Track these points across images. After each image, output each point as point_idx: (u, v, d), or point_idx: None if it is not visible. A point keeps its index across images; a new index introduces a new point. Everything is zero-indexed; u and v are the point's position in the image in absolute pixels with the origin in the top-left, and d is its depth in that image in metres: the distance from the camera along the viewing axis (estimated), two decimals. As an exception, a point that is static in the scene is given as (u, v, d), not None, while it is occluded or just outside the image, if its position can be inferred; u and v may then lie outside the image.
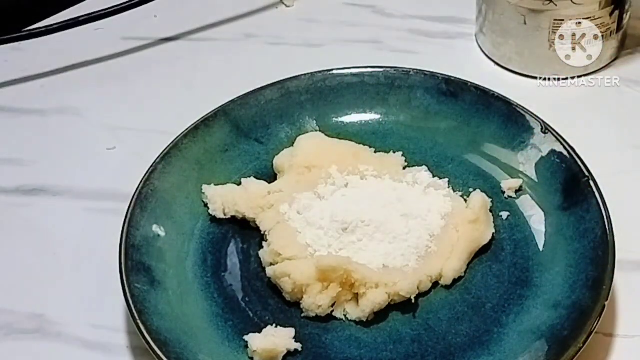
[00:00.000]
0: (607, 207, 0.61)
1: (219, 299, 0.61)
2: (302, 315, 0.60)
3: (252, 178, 0.68)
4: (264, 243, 0.64)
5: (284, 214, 0.64)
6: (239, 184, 0.67)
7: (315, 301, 0.59)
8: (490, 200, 0.65)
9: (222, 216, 0.66)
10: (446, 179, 0.67)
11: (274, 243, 0.62)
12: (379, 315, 0.60)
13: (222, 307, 0.61)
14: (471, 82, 0.70)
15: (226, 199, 0.65)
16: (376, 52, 0.81)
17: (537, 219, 0.64)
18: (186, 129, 0.68)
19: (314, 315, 0.60)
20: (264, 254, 0.63)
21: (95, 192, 0.71)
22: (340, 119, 0.72)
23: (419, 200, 0.64)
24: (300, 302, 0.60)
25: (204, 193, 0.66)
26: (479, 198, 0.64)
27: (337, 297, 0.60)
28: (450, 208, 0.64)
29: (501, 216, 0.65)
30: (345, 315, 0.60)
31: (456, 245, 0.62)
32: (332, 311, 0.60)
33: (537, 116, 0.67)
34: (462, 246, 0.62)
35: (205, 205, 0.66)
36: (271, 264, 0.62)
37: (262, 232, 0.64)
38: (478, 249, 0.63)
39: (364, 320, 0.60)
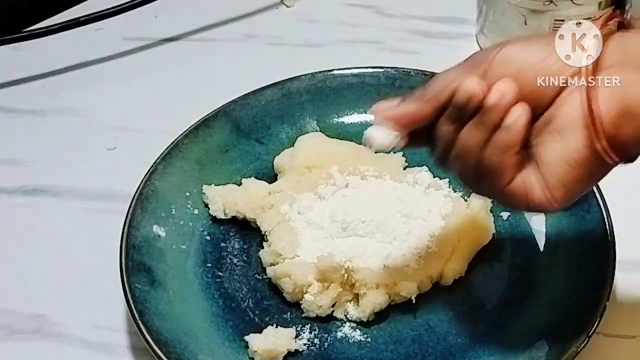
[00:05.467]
0: (607, 207, 0.61)
1: (220, 300, 0.61)
2: (303, 315, 0.60)
3: (252, 178, 0.68)
4: (264, 243, 0.64)
5: (284, 214, 0.64)
6: (240, 184, 0.67)
7: (316, 301, 0.59)
8: (490, 200, 0.65)
9: (222, 216, 0.66)
10: (446, 179, 0.67)
11: (275, 243, 0.62)
12: (380, 316, 0.60)
13: (223, 308, 0.61)
14: (471, 83, 0.70)
15: (227, 199, 0.65)
16: (377, 53, 0.81)
17: (537, 220, 0.64)
18: (187, 129, 0.68)
19: (315, 315, 0.60)
20: (265, 254, 0.63)
21: (95, 192, 0.71)
22: (340, 119, 0.72)
23: (419, 200, 0.64)
24: (301, 302, 0.60)
25: (204, 193, 0.66)
26: (479, 198, 0.64)
27: (337, 297, 0.60)
28: (451, 208, 0.64)
29: (501, 216, 0.65)
30: (345, 316, 0.60)
31: (456, 245, 0.62)
32: (333, 311, 0.60)
33: (537, 116, 0.67)
34: (462, 246, 0.62)
35: (206, 205, 0.66)
36: (272, 264, 0.62)
37: (263, 233, 0.64)
38: (478, 249, 0.63)
39: (365, 320, 0.60)
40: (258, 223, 0.65)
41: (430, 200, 0.65)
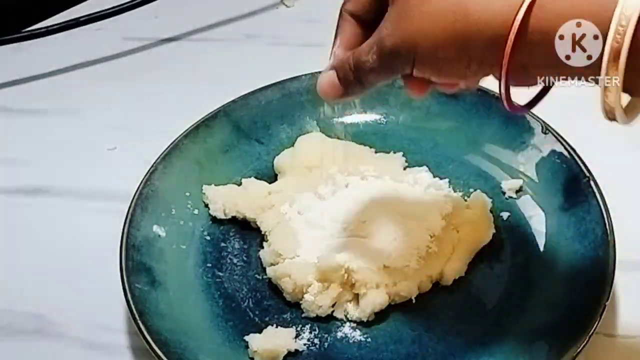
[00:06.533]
0: (607, 207, 0.61)
1: (220, 300, 0.61)
2: (303, 315, 0.60)
3: (252, 178, 0.68)
4: (264, 243, 0.64)
5: (284, 214, 0.64)
6: (240, 184, 0.67)
7: (316, 301, 0.59)
8: (490, 200, 0.65)
9: (222, 216, 0.66)
10: (447, 179, 0.67)
11: (275, 243, 0.62)
12: (380, 316, 0.60)
13: (223, 308, 0.61)
14: (471, 83, 0.70)
15: (227, 199, 0.65)
16: (376, 53, 0.81)
17: (537, 220, 0.64)
18: (187, 129, 0.68)
19: (315, 315, 0.60)
20: (265, 255, 0.63)
21: (95, 192, 0.71)
22: (340, 119, 0.72)
23: (419, 200, 0.64)
24: (301, 302, 0.60)
25: (204, 193, 0.66)
26: (479, 198, 0.64)
27: (337, 297, 0.60)
28: (451, 208, 0.64)
29: (502, 216, 0.65)
30: (345, 316, 0.60)
31: (457, 245, 0.62)
32: (333, 311, 0.60)
33: (537, 116, 0.67)
34: (462, 246, 0.62)
35: (206, 205, 0.66)
36: (272, 264, 0.62)
37: (263, 233, 0.64)
38: (478, 250, 0.63)
39: (365, 320, 0.60)
40: (258, 223, 0.65)
41: (430, 200, 0.65)
